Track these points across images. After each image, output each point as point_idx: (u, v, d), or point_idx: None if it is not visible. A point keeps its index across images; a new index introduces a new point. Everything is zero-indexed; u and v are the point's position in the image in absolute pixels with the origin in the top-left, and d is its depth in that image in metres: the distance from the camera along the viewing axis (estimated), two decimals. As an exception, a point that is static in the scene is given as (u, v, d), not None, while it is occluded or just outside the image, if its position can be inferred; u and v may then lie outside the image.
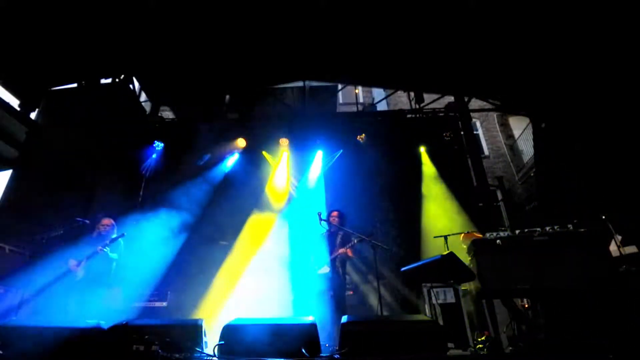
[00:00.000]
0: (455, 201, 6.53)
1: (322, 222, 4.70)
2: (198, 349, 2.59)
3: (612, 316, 2.84)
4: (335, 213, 4.91)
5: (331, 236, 4.82)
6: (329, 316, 4.30)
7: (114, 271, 4.55)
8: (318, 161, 7.32)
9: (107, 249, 4.37)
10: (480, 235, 4.13)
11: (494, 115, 12.62)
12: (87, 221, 4.52)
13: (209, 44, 6.29)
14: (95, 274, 4.32)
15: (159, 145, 7.13)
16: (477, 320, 3.86)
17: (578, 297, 3.11)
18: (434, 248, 5.94)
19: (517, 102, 7.51)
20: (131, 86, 7.15)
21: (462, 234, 4.78)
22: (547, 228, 3.27)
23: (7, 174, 6.21)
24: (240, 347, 2.61)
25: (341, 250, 4.53)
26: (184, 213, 6.54)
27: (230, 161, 7.37)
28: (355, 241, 4.43)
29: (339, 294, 4.53)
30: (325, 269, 4.57)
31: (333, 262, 4.57)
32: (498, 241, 3.25)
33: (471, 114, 7.78)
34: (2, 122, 5.90)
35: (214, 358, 2.54)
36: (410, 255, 6.05)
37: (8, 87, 6.13)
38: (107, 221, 4.72)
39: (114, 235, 4.57)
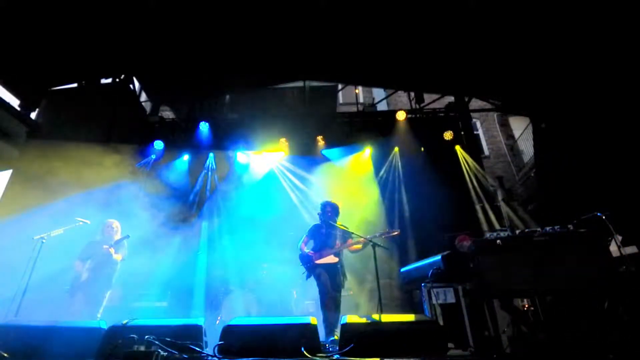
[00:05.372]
0: (455, 201, 6.52)
1: (328, 214, 4.53)
2: (198, 349, 2.59)
3: (612, 316, 2.84)
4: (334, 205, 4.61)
5: (329, 229, 4.51)
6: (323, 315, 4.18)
7: (118, 272, 4.57)
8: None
9: (111, 250, 4.40)
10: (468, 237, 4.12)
11: (494, 115, 12.60)
12: (88, 221, 4.50)
13: (209, 44, 6.29)
14: (99, 275, 4.34)
15: (159, 145, 7.14)
16: (477, 320, 3.85)
17: (578, 297, 3.11)
18: (433, 248, 5.95)
19: (517, 102, 7.51)
20: (131, 86, 7.15)
21: (459, 237, 4.75)
22: (547, 228, 3.26)
23: (7, 174, 6.22)
24: (240, 347, 2.60)
25: (345, 244, 4.39)
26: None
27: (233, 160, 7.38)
28: (353, 239, 4.36)
29: (337, 292, 4.45)
30: (333, 259, 4.30)
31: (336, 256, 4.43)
32: (498, 241, 3.25)
33: (471, 114, 7.78)
34: (2, 122, 5.90)
35: (214, 358, 2.54)
36: (411, 255, 6.05)
37: (8, 87, 6.13)
38: (112, 222, 4.72)
39: (118, 237, 4.61)
